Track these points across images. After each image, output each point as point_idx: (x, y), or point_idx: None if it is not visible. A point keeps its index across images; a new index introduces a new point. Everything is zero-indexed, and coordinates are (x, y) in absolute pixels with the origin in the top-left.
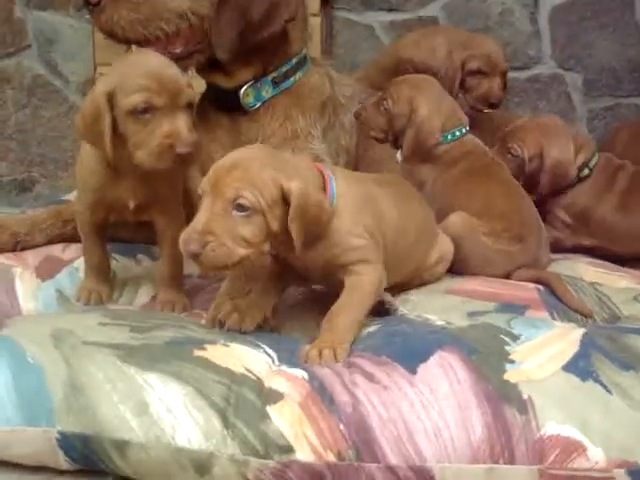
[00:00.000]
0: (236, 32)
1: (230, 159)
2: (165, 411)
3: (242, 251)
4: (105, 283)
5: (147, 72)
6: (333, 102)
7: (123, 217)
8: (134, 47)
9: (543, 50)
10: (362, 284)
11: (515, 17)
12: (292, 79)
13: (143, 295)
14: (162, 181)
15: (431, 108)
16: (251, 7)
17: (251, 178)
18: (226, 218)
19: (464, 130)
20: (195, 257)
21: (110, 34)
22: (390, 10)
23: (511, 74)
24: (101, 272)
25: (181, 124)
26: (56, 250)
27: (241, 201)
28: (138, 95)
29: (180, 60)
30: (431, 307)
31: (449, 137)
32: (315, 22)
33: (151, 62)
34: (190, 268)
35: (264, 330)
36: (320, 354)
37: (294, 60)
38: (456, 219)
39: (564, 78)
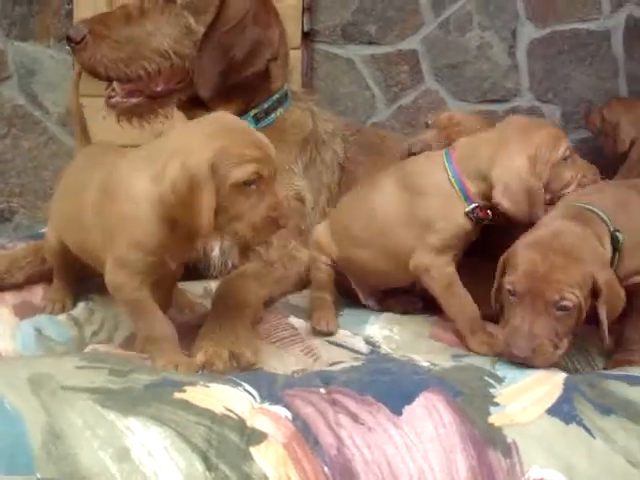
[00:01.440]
0: (219, 71)
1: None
2: (146, 456)
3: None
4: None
5: (252, 141)
6: (315, 138)
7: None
8: (115, 84)
9: (521, 83)
10: None
11: (493, 51)
12: (273, 115)
13: (123, 330)
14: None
15: None
16: (234, 47)
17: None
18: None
19: None
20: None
21: (92, 72)
22: (370, 43)
23: (489, 107)
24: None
25: (281, 195)
26: (35, 297)
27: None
28: (249, 166)
29: (161, 98)
30: (415, 348)
31: None
32: (295, 55)
33: (248, 129)
34: None
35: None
36: None
37: (275, 96)
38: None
39: (542, 111)
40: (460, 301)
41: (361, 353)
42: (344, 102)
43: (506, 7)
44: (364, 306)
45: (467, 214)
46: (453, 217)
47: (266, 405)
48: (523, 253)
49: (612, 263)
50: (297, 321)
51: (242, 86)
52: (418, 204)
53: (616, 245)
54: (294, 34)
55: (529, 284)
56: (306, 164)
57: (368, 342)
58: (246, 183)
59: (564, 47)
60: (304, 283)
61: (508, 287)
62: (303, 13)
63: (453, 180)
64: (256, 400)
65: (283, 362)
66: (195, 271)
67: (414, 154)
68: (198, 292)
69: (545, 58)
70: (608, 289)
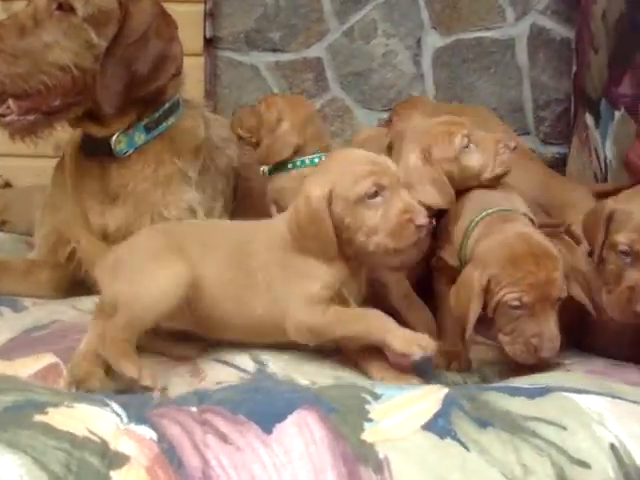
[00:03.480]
0: (122, 86)
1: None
2: None
3: None
4: None
5: (363, 159)
6: (208, 145)
7: None
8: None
9: (426, 91)
10: None
11: (398, 59)
12: (164, 124)
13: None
14: None
15: (295, 125)
16: (137, 61)
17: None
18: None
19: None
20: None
21: None
22: (274, 50)
23: None
24: None
25: (409, 197)
26: None
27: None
28: (366, 180)
29: (58, 113)
30: (302, 368)
31: (307, 162)
32: (198, 62)
33: (360, 153)
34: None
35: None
36: None
37: (167, 105)
38: None
39: None
40: None
41: (247, 372)
42: None
43: (411, 15)
44: None
45: None
46: None
47: (132, 426)
48: (517, 267)
49: None
50: None
51: (139, 98)
52: None
53: None
54: (196, 40)
55: (536, 293)
56: (199, 172)
57: (256, 360)
58: (369, 196)
59: (468, 55)
60: None
61: (513, 303)
62: (205, 19)
63: None
64: (122, 421)
65: (169, 383)
66: (84, 286)
67: None
68: (88, 308)
69: (450, 66)
70: None
